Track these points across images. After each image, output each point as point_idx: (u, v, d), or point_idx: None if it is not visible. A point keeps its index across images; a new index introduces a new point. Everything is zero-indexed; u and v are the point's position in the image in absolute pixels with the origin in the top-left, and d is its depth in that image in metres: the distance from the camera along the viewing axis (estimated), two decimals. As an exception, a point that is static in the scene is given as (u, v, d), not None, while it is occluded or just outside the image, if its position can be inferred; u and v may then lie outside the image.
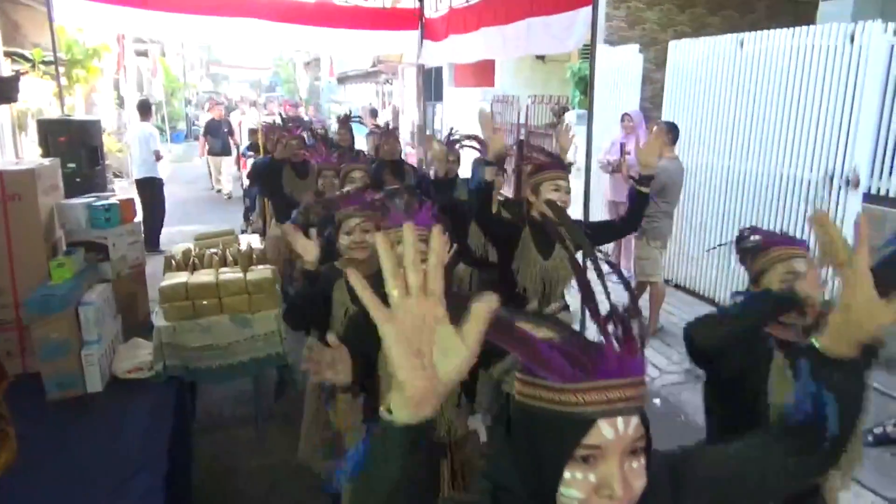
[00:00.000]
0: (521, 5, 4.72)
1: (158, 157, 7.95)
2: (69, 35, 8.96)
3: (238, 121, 12.92)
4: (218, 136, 11.60)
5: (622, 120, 5.92)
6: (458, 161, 4.25)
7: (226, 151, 11.81)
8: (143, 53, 17.78)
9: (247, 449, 3.59)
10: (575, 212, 3.63)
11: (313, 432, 2.69)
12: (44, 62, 8.25)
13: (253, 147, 8.56)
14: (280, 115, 8.60)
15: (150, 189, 7.84)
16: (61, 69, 6.95)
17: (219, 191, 11.98)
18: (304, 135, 5.49)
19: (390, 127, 5.66)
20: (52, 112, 8.01)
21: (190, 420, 3.37)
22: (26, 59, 8.22)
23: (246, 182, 8.41)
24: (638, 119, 5.87)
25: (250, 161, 7.93)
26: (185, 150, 16.78)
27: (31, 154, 7.29)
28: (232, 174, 12.05)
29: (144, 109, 8.40)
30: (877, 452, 3.46)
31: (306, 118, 12.89)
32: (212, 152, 11.73)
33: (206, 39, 9.59)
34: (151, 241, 7.36)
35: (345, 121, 6.21)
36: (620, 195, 5.36)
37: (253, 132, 8.96)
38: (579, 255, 1.10)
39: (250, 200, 7.67)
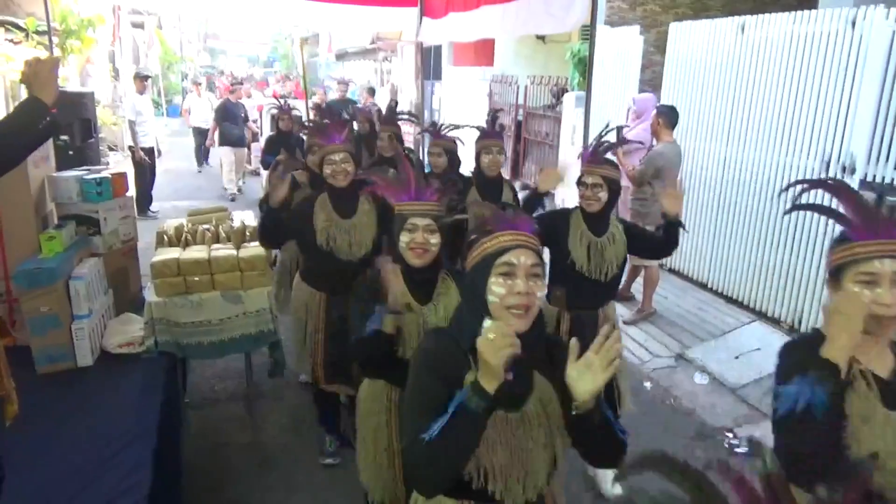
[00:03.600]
0: (522, -17, 4.65)
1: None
2: (63, 4, 8.81)
3: (257, 105, 11.06)
4: (236, 123, 9.67)
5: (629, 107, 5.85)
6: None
7: (242, 142, 9.89)
8: (139, 25, 17.54)
9: (237, 425, 3.61)
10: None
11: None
12: (37, 32, 8.14)
13: (274, 145, 5.72)
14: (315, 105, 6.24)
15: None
16: (55, 39, 6.86)
17: (232, 197, 9.60)
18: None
19: (496, 120, 3.66)
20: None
21: (181, 396, 3.37)
22: (20, 29, 8.11)
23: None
24: (645, 105, 5.79)
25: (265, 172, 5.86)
26: (181, 125, 16.63)
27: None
28: (245, 170, 10.34)
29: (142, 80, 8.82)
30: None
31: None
32: (226, 142, 9.65)
33: (203, 12, 9.44)
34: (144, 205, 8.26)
35: (391, 118, 4.31)
36: (623, 179, 5.33)
37: (274, 118, 6.46)
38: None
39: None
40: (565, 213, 2.88)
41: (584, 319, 2.86)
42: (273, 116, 6.68)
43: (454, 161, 3.82)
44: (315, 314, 2.98)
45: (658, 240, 2.88)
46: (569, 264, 2.77)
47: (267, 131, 8.53)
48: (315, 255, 2.87)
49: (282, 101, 6.51)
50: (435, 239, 1.98)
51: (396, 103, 5.61)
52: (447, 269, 2.10)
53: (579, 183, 2.77)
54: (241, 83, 11.02)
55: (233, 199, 9.42)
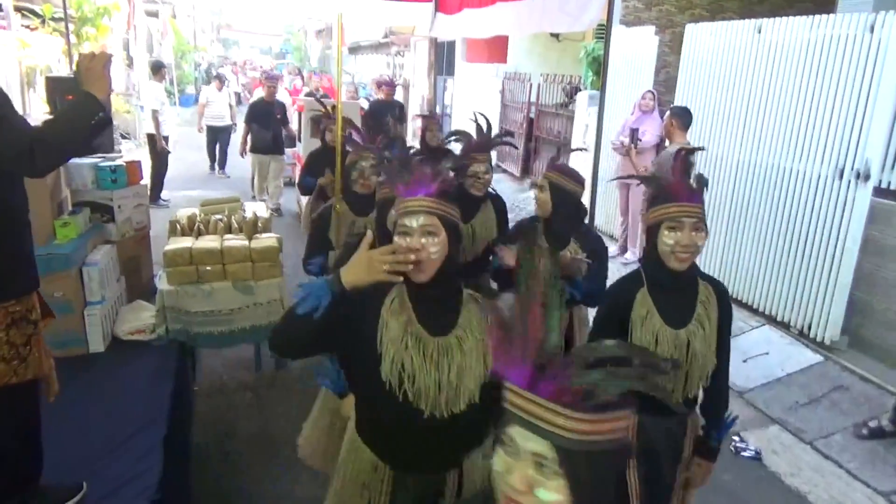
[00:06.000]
0: (538, -19, 4.64)
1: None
2: (80, -8, 8.89)
3: (298, 105, 9.04)
4: (268, 127, 7.83)
5: (642, 98, 5.82)
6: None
7: (277, 149, 8.05)
8: (154, 14, 17.60)
9: (246, 414, 3.63)
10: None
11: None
12: (53, 18, 8.20)
13: (318, 163, 4.32)
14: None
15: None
16: (71, 26, 6.91)
17: (263, 200, 7.72)
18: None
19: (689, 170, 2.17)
20: (61, 69, 7.98)
21: (190, 384, 3.40)
22: (36, 15, 8.18)
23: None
24: (656, 100, 5.80)
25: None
26: (193, 115, 16.68)
27: (38, 111, 7.27)
28: (283, 180, 8.42)
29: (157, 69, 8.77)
30: (871, 445, 3.48)
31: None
32: (257, 148, 7.86)
33: (217, 2, 9.42)
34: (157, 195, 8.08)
35: (488, 143, 3.19)
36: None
37: (316, 124, 5.01)
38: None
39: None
40: None
41: None
42: (315, 122, 5.06)
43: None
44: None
45: None
46: None
47: (306, 138, 6.85)
48: (375, 399, 1.52)
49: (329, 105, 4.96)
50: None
51: (489, 125, 3.32)
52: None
53: None
54: (273, 77, 8.76)
55: (263, 201, 7.56)
